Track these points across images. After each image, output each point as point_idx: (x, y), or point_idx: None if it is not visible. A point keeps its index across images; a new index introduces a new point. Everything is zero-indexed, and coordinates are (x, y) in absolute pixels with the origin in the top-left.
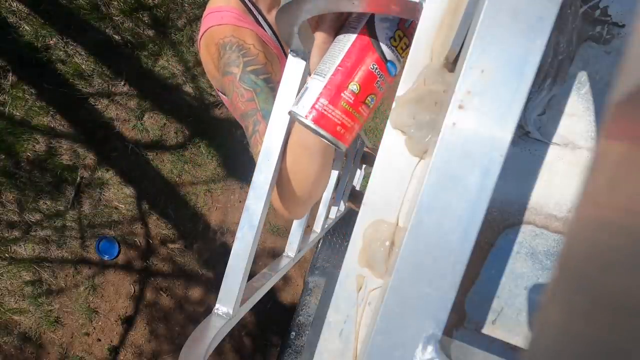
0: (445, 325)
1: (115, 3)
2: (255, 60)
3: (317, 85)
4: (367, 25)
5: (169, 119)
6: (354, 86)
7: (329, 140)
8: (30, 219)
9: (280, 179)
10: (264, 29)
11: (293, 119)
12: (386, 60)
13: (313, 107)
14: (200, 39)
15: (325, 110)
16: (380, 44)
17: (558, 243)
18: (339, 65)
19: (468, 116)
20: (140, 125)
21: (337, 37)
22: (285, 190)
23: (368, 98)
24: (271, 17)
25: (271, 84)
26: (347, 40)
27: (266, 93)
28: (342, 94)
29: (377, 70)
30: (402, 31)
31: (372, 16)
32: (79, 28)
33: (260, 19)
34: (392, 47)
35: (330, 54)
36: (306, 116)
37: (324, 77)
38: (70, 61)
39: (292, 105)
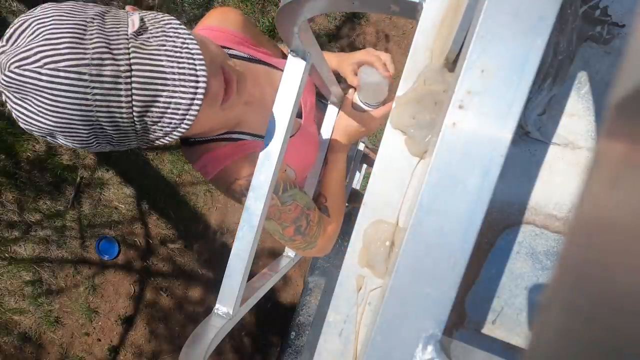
0: (445, 325)
1: (115, 3)
2: (278, 181)
3: None
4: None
5: None
6: None
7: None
8: (30, 219)
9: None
10: (254, 140)
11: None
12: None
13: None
14: (210, 180)
15: None
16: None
17: (558, 243)
18: None
19: (468, 116)
20: None
21: None
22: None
23: None
24: (246, 126)
25: (295, 180)
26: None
27: (299, 191)
28: None
29: None
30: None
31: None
32: None
33: (245, 137)
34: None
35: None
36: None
37: None
38: None
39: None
